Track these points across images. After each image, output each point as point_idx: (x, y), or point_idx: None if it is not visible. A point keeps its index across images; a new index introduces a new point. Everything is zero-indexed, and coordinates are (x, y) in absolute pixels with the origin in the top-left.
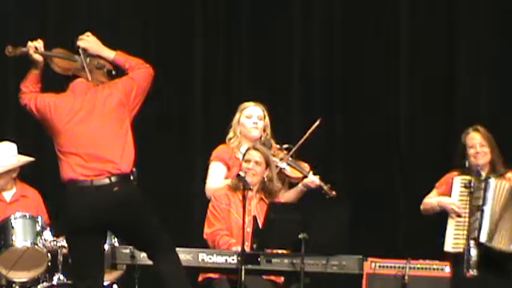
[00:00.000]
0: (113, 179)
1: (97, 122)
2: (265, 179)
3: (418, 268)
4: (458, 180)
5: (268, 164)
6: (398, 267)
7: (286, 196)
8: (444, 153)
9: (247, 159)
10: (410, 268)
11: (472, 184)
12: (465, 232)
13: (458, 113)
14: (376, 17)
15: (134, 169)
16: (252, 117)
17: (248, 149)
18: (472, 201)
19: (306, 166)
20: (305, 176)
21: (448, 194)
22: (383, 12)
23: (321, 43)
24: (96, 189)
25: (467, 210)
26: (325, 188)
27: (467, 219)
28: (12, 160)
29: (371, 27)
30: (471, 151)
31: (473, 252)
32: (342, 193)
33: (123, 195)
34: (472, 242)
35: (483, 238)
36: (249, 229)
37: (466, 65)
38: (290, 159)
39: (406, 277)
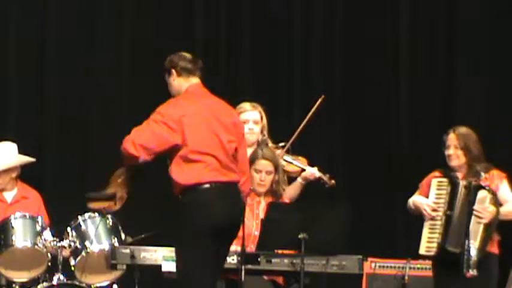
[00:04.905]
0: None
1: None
2: (273, 183)
3: (418, 268)
4: (435, 182)
5: (276, 169)
6: (398, 267)
7: (287, 192)
8: (444, 154)
9: (258, 170)
10: (410, 268)
11: (446, 187)
12: (439, 236)
13: (458, 113)
14: (376, 17)
15: None
16: (248, 123)
17: (255, 158)
18: (444, 205)
19: (303, 160)
20: (303, 170)
21: (427, 195)
22: (383, 12)
23: (322, 44)
24: (235, 192)
25: (440, 213)
26: (325, 177)
27: (439, 223)
28: (12, 159)
29: (371, 27)
30: (446, 152)
31: (473, 252)
32: (342, 193)
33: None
34: (472, 242)
35: (449, 245)
36: (256, 232)
37: (466, 65)
38: (287, 155)
39: (406, 277)
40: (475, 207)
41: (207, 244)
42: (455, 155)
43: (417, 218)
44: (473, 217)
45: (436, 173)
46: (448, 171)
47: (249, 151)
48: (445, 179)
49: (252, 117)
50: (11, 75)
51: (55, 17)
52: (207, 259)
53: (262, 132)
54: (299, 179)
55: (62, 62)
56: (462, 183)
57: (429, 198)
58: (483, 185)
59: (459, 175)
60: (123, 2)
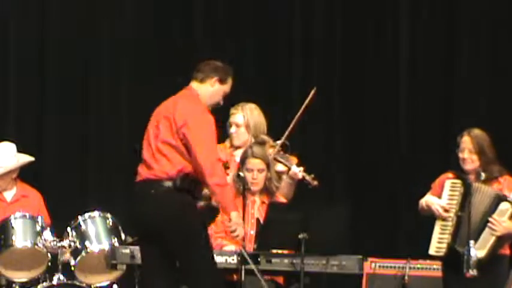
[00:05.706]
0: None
1: None
2: (265, 180)
3: (418, 268)
4: (448, 184)
5: (268, 166)
6: (398, 267)
7: (281, 191)
8: (444, 154)
9: (249, 169)
10: (410, 268)
11: (459, 189)
12: (449, 237)
13: (458, 113)
14: (377, 17)
15: None
16: (232, 126)
17: (246, 157)
18: (456, 206)
19: (293, 159)
20: (290, 169)
21: (440, 195)
22: (383, 12)
23: (321, 44)
24: (144, 189)
25: (452, 214)
26: (308, 178)
27: (450, 223)
28: (12, 160)
29: (371, 27)
30: (460, 155)
31: (473, 252)
32: (342, 193)
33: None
34: (472, 242)
35: (458, 245)
36: (252, 232)
37: (466, 65)
38: (279, 153)
39: (406, 277)
40: (493, 217)
41: (141, 244)
42: (470, 159)
43: (421, 218)
44: (488, 225)
45: (449, 174)
46: (461, 173)
47: (240, 152)
48: (458, 181)
49: (235, 119)
50: (11, 75)
51: (55, 17)
52: (143, 258)
53: (252, 132)
54: (286, 178)
55: (62, 62)
56: (477, 184)
57: (442, 198)
58: (502, 194)
59: (471, 177)
60: (123, 2)
